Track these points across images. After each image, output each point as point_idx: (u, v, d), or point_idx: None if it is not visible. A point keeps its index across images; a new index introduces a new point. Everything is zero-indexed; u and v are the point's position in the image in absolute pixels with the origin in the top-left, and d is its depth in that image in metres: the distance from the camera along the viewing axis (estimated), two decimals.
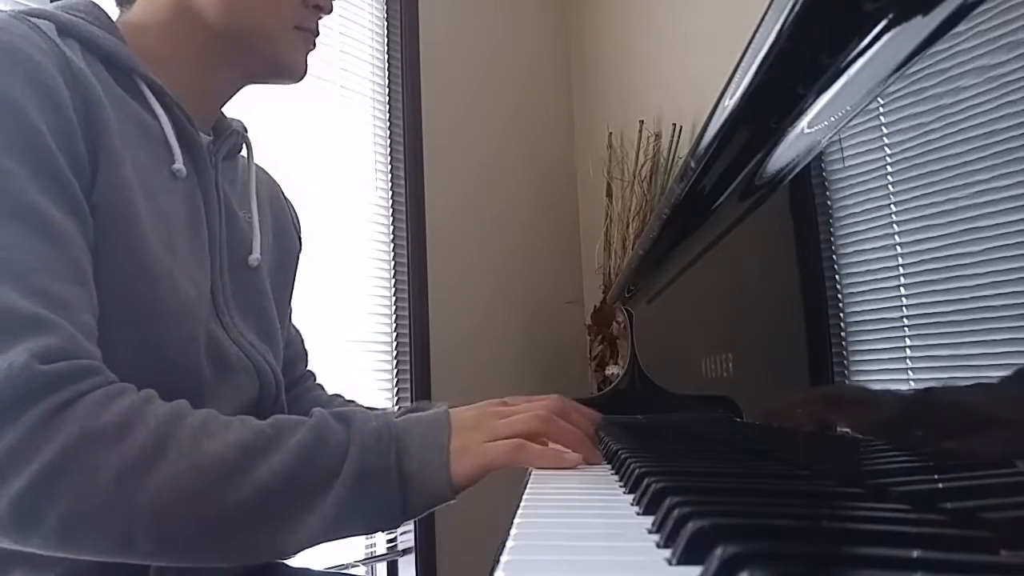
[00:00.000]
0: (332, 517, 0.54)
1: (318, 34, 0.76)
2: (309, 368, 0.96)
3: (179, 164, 0.67)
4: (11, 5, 1.26)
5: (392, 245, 2.04)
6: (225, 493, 0.52)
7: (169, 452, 0.51)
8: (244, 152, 0.82)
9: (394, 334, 2.00)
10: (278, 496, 0.53)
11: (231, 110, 0.80)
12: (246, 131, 0.81)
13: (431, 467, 0.56)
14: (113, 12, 0.71)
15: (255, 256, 0.76)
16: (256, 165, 0.83)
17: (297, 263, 0.91)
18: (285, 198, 0.91)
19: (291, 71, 0.75)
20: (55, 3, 0.66)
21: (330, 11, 0.76)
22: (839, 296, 0.50)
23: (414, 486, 0.56)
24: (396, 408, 0.90)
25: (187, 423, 0.53)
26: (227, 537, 0.53)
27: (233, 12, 0.70)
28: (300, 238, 0.92)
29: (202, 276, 0.68)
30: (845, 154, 0.49)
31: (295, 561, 0.80)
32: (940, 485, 0.39)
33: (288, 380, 0.86)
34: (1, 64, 0.54)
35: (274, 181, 0.90)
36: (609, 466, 0.66)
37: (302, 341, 0.94)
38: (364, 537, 1.82)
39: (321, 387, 0.95)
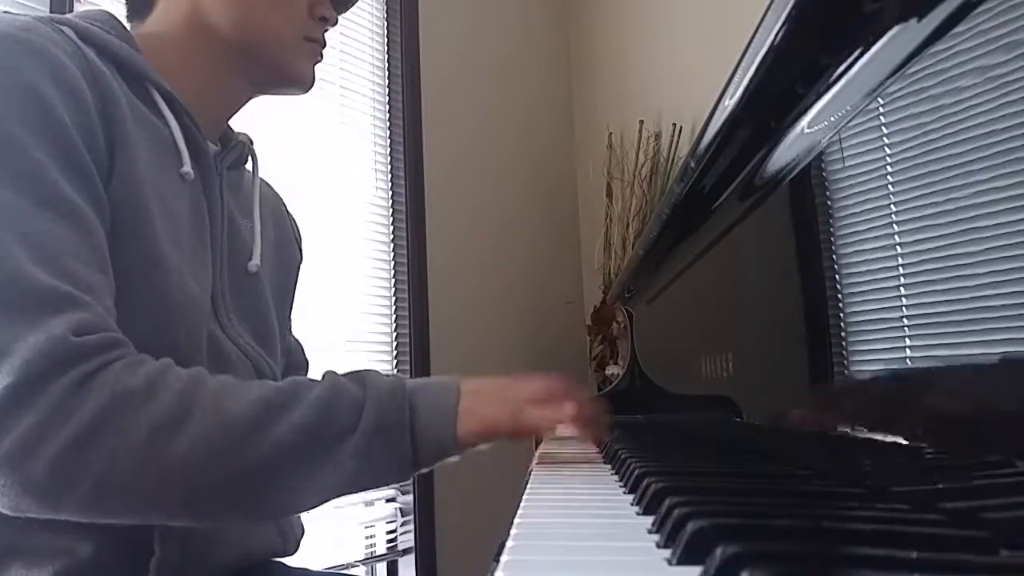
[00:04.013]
0: (351, 468, 0.57)
1: (325, 45, 0.78)
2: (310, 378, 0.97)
3: (187, 167, 0.68)
4: (15, 7, 1.26)
5: (392, 245, 2.04)
6: (249, 448, 0.54)
7: (195, 411, 0.53)
8: (249, 165, 0.84)
9: (394, 334, 2.00)
10: (300, 449, 0.56)
11: (236, 117, 0.81)
12: (252, 144, 0.83)
13: (439, 423, 0.60)
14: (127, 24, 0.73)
15: (255, 263, 0.77)
16: (261, 179, 0.85)
17: (298, 274, 0.92)
18: (287, 211, 0.93)
19: (300, 81, 0.77)
20: (74, 13, 0.68)
21: (335, 23, 0.79)
22: (839, 296, 0.50)
23: (423, 440, 0.59)
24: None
25: (208, 385, 0.56)
26: (252, 491, 0.55)
27: (245, 24, 0.72)
28: (301, 250, 0.93)
29: (205, 277, 0.69)
30: (845, 154, 0.49)
31: (295, 561, 0.81)
32: (940, 485, 0.39)
33: None
34: (30, 63, 0.57)
35: (278, 195, 0.92)
36: (609, 466, 0.66)
37: (302, 351, 0.95)
38: (364, 537, 1.82)
39: None
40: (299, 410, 0.56)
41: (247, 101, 0.79)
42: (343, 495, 0.59)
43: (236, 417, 0.55)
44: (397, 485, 1.92)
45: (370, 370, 0.64)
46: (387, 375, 0.63)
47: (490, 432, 0.61)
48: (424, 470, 0.61)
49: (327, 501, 0.59)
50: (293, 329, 0.94)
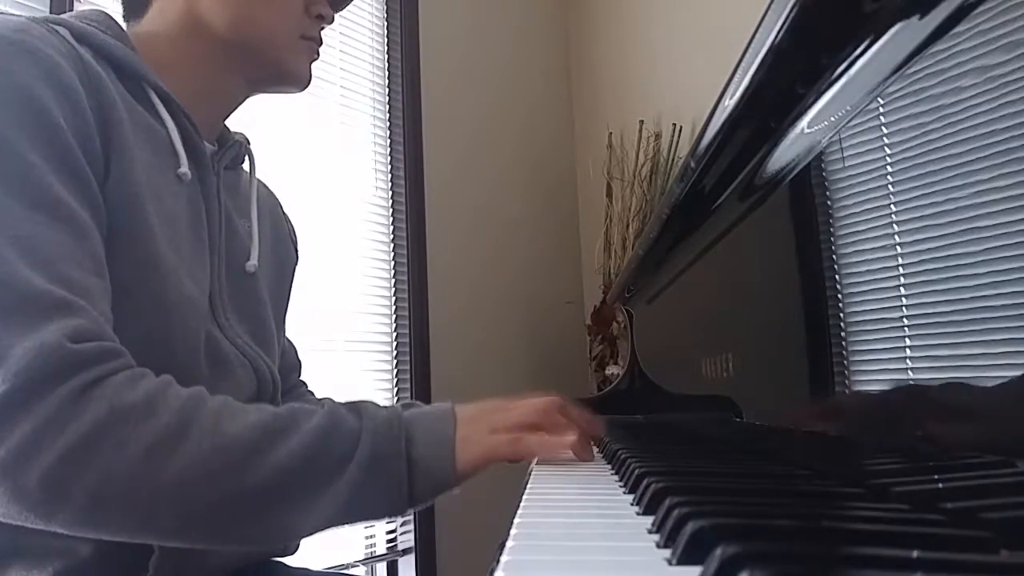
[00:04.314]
0: (345, 499, 0.56)
1: (321, 43, 0.78)
2: (302, 379, 0.97)
3: (184, 168, 0.68)
4: (15, 7, 1.26)
5: (392, 245, 2.04)
6: (245, 472, 0.54)
7: (192, 432, 0.53)
8: (247, 165, 0.84)
9: (394, 334, 2.00)
10: (295, 477, 0.55)
11: (236, 119, 0.81)
12: (249, 144, 0.83)
13: (437, 455, 0.59)
14: (123, 24, 0.73)
15: (252, 263, 0.77)
16: (258, 179, 0.84)
17: (293, 275, 0.92)
18: (283, 212, 0.93)
19: (296, 79, 0.77)
20: (69, 13, 0.67)
21: (332, 21, 0.79)
22: (839, 296, 0.50)
23: (420, 472, 0.59)
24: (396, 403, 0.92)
25: (208, 406, 0.55)
26: (245, 516, 0.55)
27: (240, 22, 0.72)
28: (297, 251, 0.93)
29: (203, 277, 0.69)
30: (845, 154, 0.49)
31: (295, 561, 0.81)
32: (940, 485, 0.39)
33: (282, 391, 0.87)
34: (24, 64, 0.56)
35: (274, 196, 0.92)
36: (609, 466, 0.66)
37: (296, 352, 0.95)
38: (364, 537, 1.82)
39: (312, 394, 0.97)
40: (297, 436, 0.56)
41: (244, 100, 0.79)
42: (336, 526, 0.58)
43: (234, 440, 0.54)
44: None
45: (367, 400, 0.63)
46: (384, 406, 0.63)
47: (489, 460, 0.61)
48: (420, 506, 0.61)
49: (319, 531, 0.58)
50: (288, 330, 0.93)
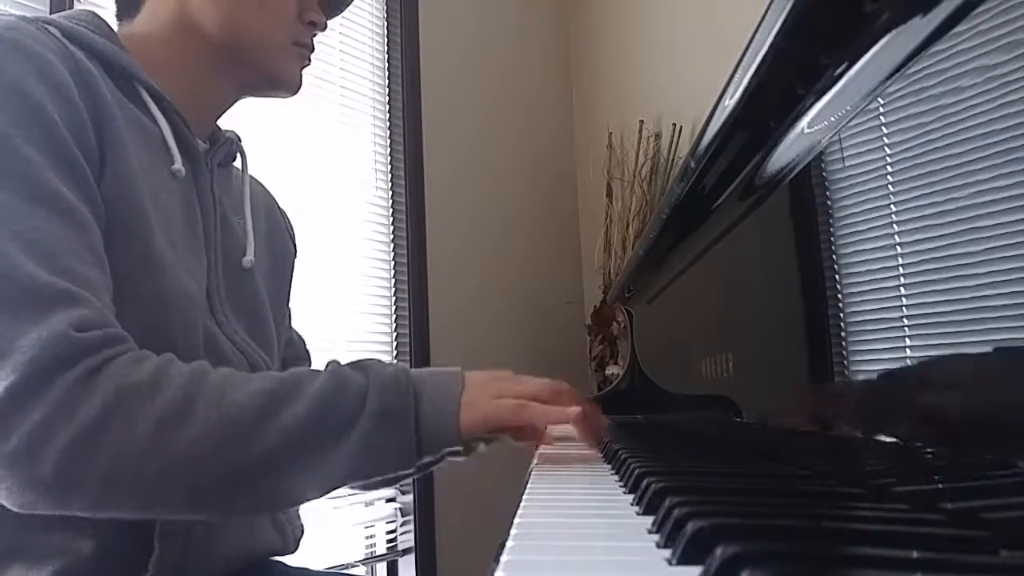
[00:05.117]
0: (355, 456, 0.57)
1: (313, 49, 0.78)
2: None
3: (178, 165, 0.68)
4: (15, 7, 1.26)
5: (392, 245, 2.04)
6: (254, 438, 0.54)
7: (198, 404, 0.54)
8: (238, 162, 0.84)
9: (394, 334, 2.00)
10: (305, 437, 0.56)
11: (233, 116, 0.81)
12: (240, 141, 0.83)
13: (443, 411, 0.60)
14: (114, 25, 0.73)
15: (249, 258, 0.77)
16: (252, 177, 0.85)
17: (293, 269, 0.92)
18: (279, 207, 0.93)
19: (286, 85, 0.77)
20: (58, 13, 0.68)
21: (324, 28, 0.79)
22: (839, 296, 0.50)
23: (427, 428, 0.59)
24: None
25: (211, 378, 0.56)
26: (257, 482, 0.56)
27: (232, 26, 0.72)
28: (295, 245, 0.93)
29: (200, 273, 0.70)
30: (845, 154, 0.49)
31: (295, 561, 0.81)
32: (940, 485, 0.39)
33: None
34: (17, 62, 0.57)
35: (269, 192, 0.92)
36: (609, 466, 0.66)
37: (304, 344, 0.95)
38: (364, 537, 1.82)
39: None
40: (303, 399, 0.56)
41: (235, 102, 0.79)
42: (347, 484, 0.59)
43: (240, 408, 0.55)
44: (397, 485, 1.92)
45: (372, 359, 0.63)
46: (390, 364, 0.63)
47: (492, 423, 0.61)
48: (427, 459, 0.61)
49: (332, 490, 0.59)
50: (294, 323, 0.94)
